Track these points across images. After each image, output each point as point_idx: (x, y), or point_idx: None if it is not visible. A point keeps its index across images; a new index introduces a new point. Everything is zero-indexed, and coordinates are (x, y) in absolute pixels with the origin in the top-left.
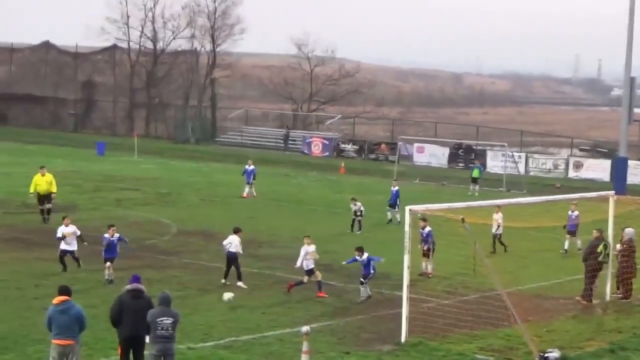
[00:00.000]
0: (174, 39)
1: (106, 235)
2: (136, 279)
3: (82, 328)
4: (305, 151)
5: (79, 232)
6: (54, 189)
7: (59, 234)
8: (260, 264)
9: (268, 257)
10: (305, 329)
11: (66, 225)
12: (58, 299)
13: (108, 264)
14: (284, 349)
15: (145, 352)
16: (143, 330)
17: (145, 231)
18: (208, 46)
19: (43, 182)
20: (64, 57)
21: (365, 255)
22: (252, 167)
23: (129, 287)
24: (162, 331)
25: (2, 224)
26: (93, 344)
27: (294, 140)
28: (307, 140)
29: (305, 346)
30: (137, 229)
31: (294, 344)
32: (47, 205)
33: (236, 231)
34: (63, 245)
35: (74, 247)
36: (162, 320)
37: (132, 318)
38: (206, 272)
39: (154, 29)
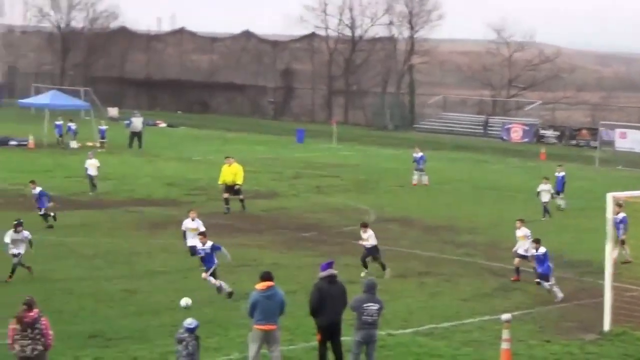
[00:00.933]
0: (371, 26)
1: (198, 245)
2: (329, 265)
3: (282, 313)
4: (505, 137)
5: (203, 229)
6: (240, 180)
7: (183, 227)
8: (460, 250)
9: (467, 243)
10: (506, 316)
11: (192, 220)
12: (264, 285)
13: (204, 274)
14: (484, 336)
15: (347, 339)
16: (340, 316)
17: (344, 217)
18: (406, 33)
19: (229, 172)
20: (263, 46)
21: (543, 249)
22: (420, 154)
23: (324, 273)
24: (368, 317)
25: (206, 211)
26: (294, 329)
27: (493, 127)
28: (506, 127)
29: (506, 334)
30: (336, 215)
31: (494, 331)
32: (239, 196)
33: (364, 225)
34: (190, 241)
35: (194, 242)
36: (368, 307)
37: (330, 304)
38: (405, 258)
39: (351, 16)
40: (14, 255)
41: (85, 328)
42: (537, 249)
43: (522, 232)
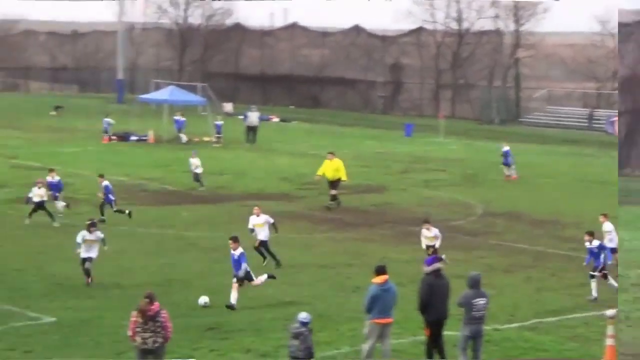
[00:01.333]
0: (478, 19)
1: (233, 251)
2: (434, 259)
3: (394, 306)
4: (609, 131)
5: (272, 220)
6: (343, 176)
7: (250, 225)
8: (566, 245)
9: (573, 238)
10: (611, 312)
11: (257, 215)
12: (381, 279)
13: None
14: (589, 332)
15: (454, 333)
16: (447, 310)
17: (452, 212)
18: (512, 26)
19: (330, 167)
20: (372, 41)
21: (596, 242)
22: (506, 148)
23: (430, 268)
24: (476, 312)
25: (317, 205)
26: (403, 323)
27: (598, 120)
28: (611, 120)
29: (610, 330)
30: (444, 210)
31: (599, 327)
32: (332, 192)
33: (426, 221)
34: (260, 236)
35: (264, 236)
36: (477, 302)
37: (438, 299)
38: (512, 253)
39: (458, 9)
40: (84, 260)
41: (202, 321)
42: (590, 242)
43: (606, 226)
